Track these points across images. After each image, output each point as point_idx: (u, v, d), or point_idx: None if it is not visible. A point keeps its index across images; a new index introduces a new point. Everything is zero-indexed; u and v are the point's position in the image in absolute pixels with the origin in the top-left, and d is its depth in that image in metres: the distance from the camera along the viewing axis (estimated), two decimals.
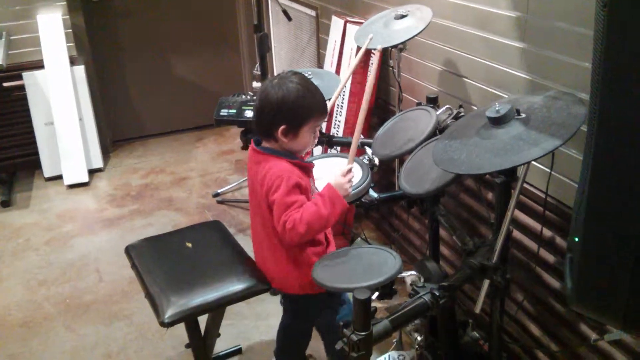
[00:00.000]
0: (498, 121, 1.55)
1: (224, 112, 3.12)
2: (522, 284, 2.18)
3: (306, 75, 2.51)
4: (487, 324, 2.08)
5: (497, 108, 1.56)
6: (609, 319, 0.85)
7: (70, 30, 4.04)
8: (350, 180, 1.79)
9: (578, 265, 0.87)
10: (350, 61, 2.87)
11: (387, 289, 1.66)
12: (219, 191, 3.76)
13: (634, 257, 0.78)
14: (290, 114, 1.70)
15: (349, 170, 1.80)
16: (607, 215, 0.81)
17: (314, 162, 2.28)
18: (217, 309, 1.89)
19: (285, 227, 1.68)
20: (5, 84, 4.00)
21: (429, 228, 2.39)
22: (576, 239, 0.85)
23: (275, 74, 1.85)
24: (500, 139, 1.52)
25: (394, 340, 2.33)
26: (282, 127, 1.70)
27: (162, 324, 1.76)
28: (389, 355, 2.26)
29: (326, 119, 1.79)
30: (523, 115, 1.55)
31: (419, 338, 2.17)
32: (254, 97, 2.90)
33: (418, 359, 2.19)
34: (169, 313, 1.77)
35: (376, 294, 1.64)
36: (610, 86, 0.73)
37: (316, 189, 1.88)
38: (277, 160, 1.74)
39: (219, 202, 3.68)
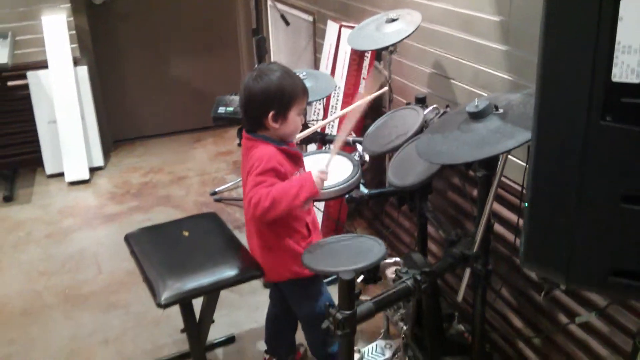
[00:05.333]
0: (477, 116, 1.65)
1: (221, 109, 3.22)
2: (504, 277, 2.27)
3: (301, 75, 2.63)
4: (471, 315, 2.18)
5: (476, 104, 1.66)
6: (554, 274, 0.95)
7: (74, 32, 4.15)
8: (323, 180, 1.88)
9: (526, 228, 0.97)
10: (345, 64, 2.98)
11: (372, 274, 1.75)
12: (216, 190, 3.85)
13: (572, 218, 0.88)
14: (276, 100, 1.82)
15: (324, 172, 1.88)
16: (550, 179, 0.91)
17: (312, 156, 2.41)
18: (211, 292, 1.98)
19: (251, 201, 1.77)
20: (9, 83, 4.11)
21: (417, 224, 2.49)
22: (526, 204, 0.96)
23: None
24: (479, 133, 1.62)
25: (381, 331, 2.42)
26: (271, 113, 1.81)
27: (159, 305, 1.85)
28: (376, 344, 2.35)
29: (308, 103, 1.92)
30: (501, 110, 1.65)
31: (404, 327, 2.26)
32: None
33: (404, 348, 2.28)
34: (165, 295, 1.87)
35: (361, 277, 1.73)
36: (546, 78, 0.85)
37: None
38: (264, 145, 1.84)
39: (217, 201, 3.78)
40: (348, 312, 1.57)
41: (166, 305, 1.85)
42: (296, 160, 1.93)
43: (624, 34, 0.77)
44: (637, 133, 0.78)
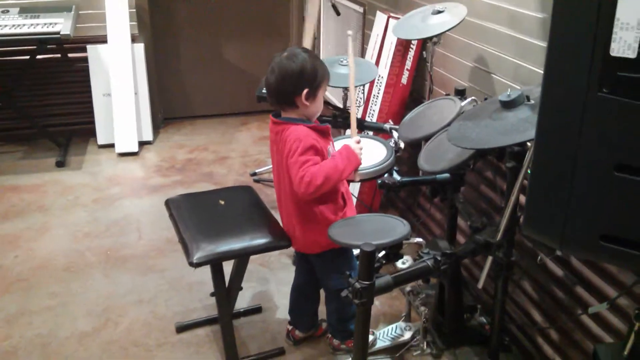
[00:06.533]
0: (508, 105, 1.69)
1: (265, 90, 3.30)
2: (527, 271, 2.29)
3: (344, 61, 2.71)
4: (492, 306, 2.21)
5: (508, 93, 1.70)
6: (550, 239, 1.00)
7: (134, 10, 4.32)
8: (361, 148, 2.01)
9: (528, 194, 1.03)
10: (390, 54, 3.04)
11: (395, 250, 1.82)
12: (256, 171, 3.97)
13: (568, 185, 0.94)
14: (310, 78, 1.93)
15: (358, 141, 2.01)
16: (550, 148, 0.97)
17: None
18: (240, 257, 2.08)
19: (302, 179, 1.87)
20: (70, 55, 4.32)
21: (447, 214, 2.53)
22: (529, 172, 1.01)
23: None
24: (509, 121, 1.67)
25: (402, 314, 2.48)
26: (305, 90, 1.91)
27: (191, 264, 1.96)
28: (396, 325, 2.41)
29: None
30: (532, 101, 1.69)
31: (425, 311, 2.32)
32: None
33: (423, 331, 2.34)
34: (197, 255, 1.97)
35: (383, 252, 1.79)
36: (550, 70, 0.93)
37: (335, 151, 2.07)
38: (295, 126, 1.94)
39: (256, 181, 3.89)
40: (367, 283, 1.65)
41: (198, 265, 1.96)
42: (326, 135, 2.02)
43: (623, 11, 0.82)
44: (631, 105, 0.83)
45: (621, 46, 0.83)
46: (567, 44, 0.89)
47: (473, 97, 2.31)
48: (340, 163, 1.92)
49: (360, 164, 1.97)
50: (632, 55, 0.82)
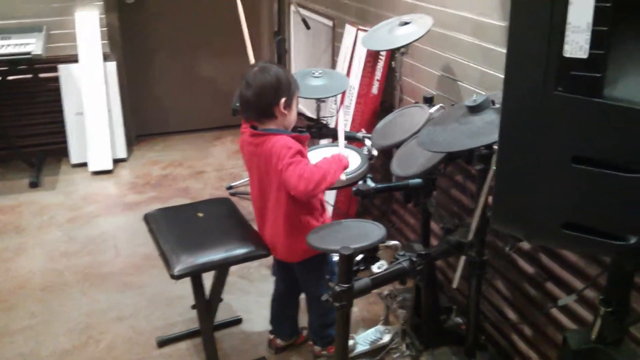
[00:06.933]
0: (474, 109, 1.77)
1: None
2: (501, 271, 2.37)
3: (317, 73, 2.77)
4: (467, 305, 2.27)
5: (474, 98, 1.78)
6: (517, 230, 1.07)
7: (105, 29, 4.34)
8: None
9: (495, 189, 1.10)
10: (360, 65, 3.11)
11: (372, 253, 1.87)
12: (232, 184, 4.00)
13: (530, 178, 1.01)
14: (286, 87, 2.00)
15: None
16: (513, 144, 1.04)
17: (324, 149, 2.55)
18: (220, 267, 2.11)
19: (302, 177, 1.91)
20: (41, 75, 4.31)
21: (421, 219, 2.60)
22: (494, 168, 1.08)
23: None
24: (475, 124, 1.74)
25: (381, 318, 2.53)
26: (283, 99, 1.97)
27: (172, 277, 1.99)
28: (376, 329, 2.46)
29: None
30: (497, 105, 1.77)
31: (403, 312, 2.37)
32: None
33: (402, 334, 2.39)
34: (178, 268, 2.00)
35: (361, 255, 1.85)
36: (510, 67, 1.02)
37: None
38: (279, 136, 1.99)
39: (232, 194, 3.92)
40: (346, 286, 1.69)
41: (179, 277, 1.99)
42: (303, 143, 2.08)
43: (574, 15, 0.90)
44: (583, 102, 0.91)
45: (573, 47, 0.91)
46: (524, 47, 0.97)
47: (441, 104, 2.39)
48: (333, 164, 2.00)
49: (348, 165, 2.06)
50: (583, 55, 0.90)
